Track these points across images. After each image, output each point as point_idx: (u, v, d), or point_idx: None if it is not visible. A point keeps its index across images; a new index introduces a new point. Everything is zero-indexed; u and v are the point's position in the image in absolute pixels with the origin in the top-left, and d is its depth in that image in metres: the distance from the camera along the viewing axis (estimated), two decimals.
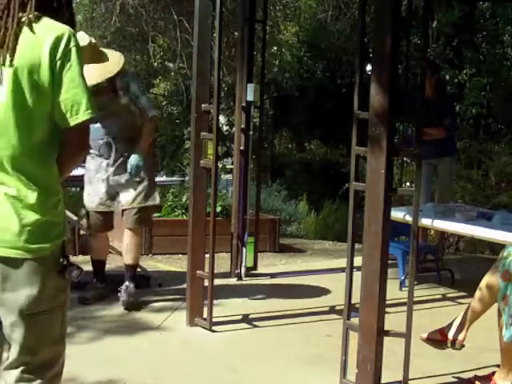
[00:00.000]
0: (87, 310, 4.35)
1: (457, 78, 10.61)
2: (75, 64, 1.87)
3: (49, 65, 1.84)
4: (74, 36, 1.90)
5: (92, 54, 4.13)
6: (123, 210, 4.50)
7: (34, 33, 1.85)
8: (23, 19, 1.86)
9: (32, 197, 1.88)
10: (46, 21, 1.89)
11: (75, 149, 1.97)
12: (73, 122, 1.87)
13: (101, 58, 4.28)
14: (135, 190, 4.48)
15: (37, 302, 1.92)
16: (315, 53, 13.46)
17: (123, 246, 4.58)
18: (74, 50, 1.87)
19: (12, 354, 1.98)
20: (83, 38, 4.11)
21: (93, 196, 4.50)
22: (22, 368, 1.98)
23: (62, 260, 1.95)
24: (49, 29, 1.87)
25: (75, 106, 1.86)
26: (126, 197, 4.47)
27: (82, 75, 1.89)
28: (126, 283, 4.41)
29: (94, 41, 4.29)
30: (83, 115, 1.87)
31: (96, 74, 4.12)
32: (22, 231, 1.88)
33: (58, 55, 1.85)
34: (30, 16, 1.87)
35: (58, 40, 1.85)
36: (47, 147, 1.91)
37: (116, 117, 4.39)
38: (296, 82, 13.53)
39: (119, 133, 4.43)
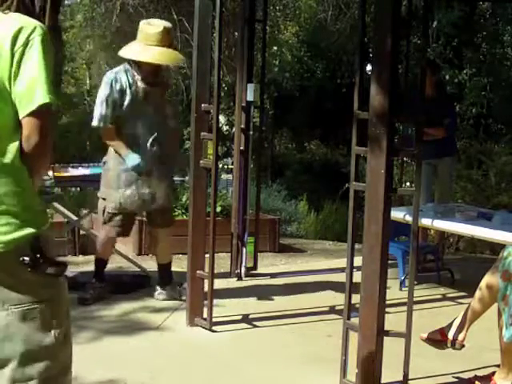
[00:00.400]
0: (87, 310, 4.35)
1: (457, 78, 10.61)
2: (36, 54, 1.79)
3: (9, 55, 1.77)
4: (41, 28, 1.82)
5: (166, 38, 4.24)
6: (156, 210, 4.50)
7: (2, 26, 1.80)
8: None
9: None
10: (17, 15, 1.84)
11: (34, 139, 1.81)
12: (27, 109, 1.78)
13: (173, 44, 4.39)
14: (165, 190, 4.50)
15: (11, 294, 1.86)
16: (315, 53, 13.46)
17: (159, 247, 4.65)
18: (37, 39, 1.80)
19: None
20: (158, 25, 4.25)
21: (132, 197, 4.42)
22: (10, 367, 1.91)
23: (24, 258, 1.84)
24: (15, 21, 1.81)
25: (30, 93, 1.78)
26: (160, 197, 4.47)
27: (43, 64, 1.79)
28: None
29: (168, 25, 4.36)
30: (39, 100, 1.77)
31: (167, 57, 4.28)
32: None
33: (18, 44, 1.78)
34: (6, 11, 1.82)
35: (19, 30, 1.79)
36: (7, 140, 1.82)
37: (159, 112, 4.44)
38: (296, 82, 13.54)
39: (161, 133, 4.42)
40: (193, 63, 4.15)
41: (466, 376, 3.38)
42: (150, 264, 6.07)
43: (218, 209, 6.49)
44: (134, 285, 4.95)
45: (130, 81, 4.36)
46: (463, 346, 3.30)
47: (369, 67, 7.43)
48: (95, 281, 4.61)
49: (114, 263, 5.41)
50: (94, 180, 4.91)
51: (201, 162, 4.09)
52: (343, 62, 13.04)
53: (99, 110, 4.33)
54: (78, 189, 8.76)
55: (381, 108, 3.00)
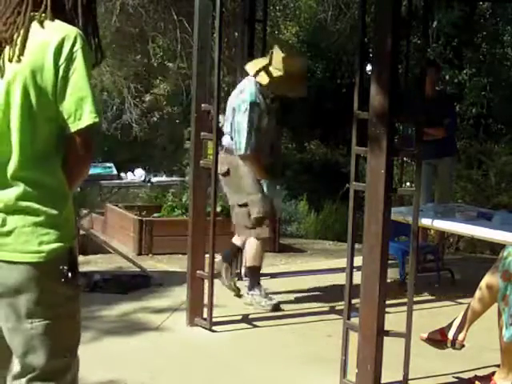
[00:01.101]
0: (87, 311, 4.34)
1: (457, 78, 10.61)
2: (80, 67, 1.80)
3: (53, 67, 1.78)
4: (82, 37, 1.83)
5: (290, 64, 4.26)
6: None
7: (42, 33, 1.81)
8: (36, 17, 1.82)
9: (32, 200, 1.83)
10: (56, 22, 1.84)
11: (80, 155, 1.87)
12: (76, 126, 1.81)
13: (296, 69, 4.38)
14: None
15: (37, 308, 1.85)
16: (315, 53, 13.45)
17: (249, 253, 4.60)
18: (79, 52, 1.81)
19: (15, 362, 1.94)
20: (277, 51, 4.29)
21: (270, 200, 4.50)
22: (28, 377, 1.92)
23: (63, 267, 1.86)
24: (56, 30, 1.82)
25: (79, 111, 1.80)
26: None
27: (86, 78, 1.82)
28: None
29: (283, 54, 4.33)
30: (88, 119, 1.81)
31: (292, 86, 4.31)
32: (19, 233, 1.82)
33: (63, 58, 1.79)
34: (43, 15, 1.83)
35: (63, 41, 1.79)
36: (50, 152, 1.86)
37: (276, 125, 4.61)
38: None
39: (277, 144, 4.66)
40: (193, 63, 4.15)
41: (466, 376, 3.38)
42: (150, 264, 6.08)
43: (218, 209, 6.48)
44: (134, 285, 4.95)
45: (264, 102, 4.40)
46: (463, 345, 3.30)
47: (369, 67, 7.43)
48: (258, 291, 4.55)
49: (113, 263, 5.41)
50: (94, 180, 4.91)
51: (201, 162, 4.09)
52: (343, 61, 13.02)
53: (246, 138, 4.30)
54: (78, 189, 8.78)
55: (381, 108, 3.00)
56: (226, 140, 4.45)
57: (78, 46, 1.81)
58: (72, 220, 1.94)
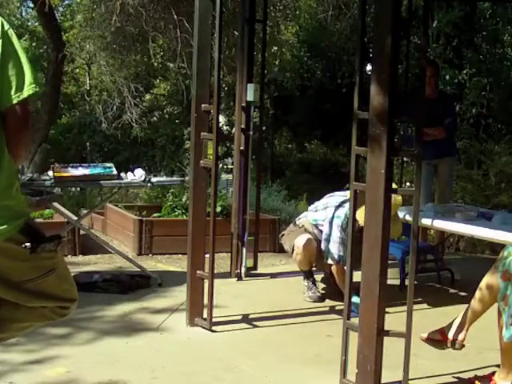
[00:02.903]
0: (87, 311, 4.35)
1: (457, 78, 10.60)
2: (16, 45, 1.90)
3: None
4: (6, 22, 1.94)
5: None
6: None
7: None
8: None
9: None
10: None
11: (20, 127, 1.94)
12: (17, 98, 1.88)
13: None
14: None
15: (18, 272, 2.05)
16: (315, 53, 13.45)
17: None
18: (10, 31, 1.91)
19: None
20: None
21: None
22: None
23: (25, 244, 2.01)
24: None
25: (20, 83, 1.87)
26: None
27: (24, 54, 1.91)
28: None
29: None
30: (27, 90, 1.89)
31: None
32: None
33: None
34: None
35: None
36: None
37: None
38: (296, 82, 13.53)
39: None
40: (193, 63, 4.15)
41: (466, 376, 3.38)
42: (150, 264, 6.08)
43: (218, 209, 6.50)
44: (134, 285, 4.95)
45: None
46: (463, 346, 3.30)
47: (369, 67, 7.43)
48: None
49: (113, 263, 5.41)
50: (94, 180, 4.91)
51: (201, 162, 4.09)
52: (343, 61, 13.02)
53: (338, 250, 4.50)
54: (78, 189, 8.80)
55: (381, 108, 3.00)
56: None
57: (6, 27, 1.92)
58: (22, 198, 2.06)
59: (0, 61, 1.87)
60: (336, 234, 4.50)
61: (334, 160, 13.13)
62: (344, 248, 4.45)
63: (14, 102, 1.88)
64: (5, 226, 1.95)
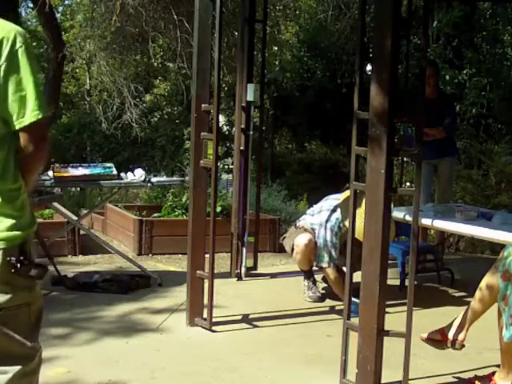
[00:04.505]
0: (87, 311, 4.35)
1: (457, 78, 10.60)
2: (22, 66, 1.84)
3: None
4: (22, 35, 1.86)
5: None
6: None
7: None
8: None
9: None
10: None
11: (28, 150, 1.90)
12: (19, 124, 1.85)
13: None
14: None
15: None
16: (315, 53, 13.45)
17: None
18: (20, 50, 1.84)
19: None
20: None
21: None
22: None
23: (13, 258, 1.88)
24: None
25: (22, 109, 1.84)
26: None
27: (30, 76, 1.85)
28: None
29: None
30: (30, 117, 1.85)
31: None
32: None
33: (3, 59, 1.82)
34: None
35: (1, 41, 1.82)
36: (1, 145, 1.89)
37: None
38: (296, 82, 13.53)
39: None
40: (193, 63, 4.15)
41: (466, 376, 3.38)
42: (150, 264, 6.08)
43: (218, 209, 6.50)
44: (134, 285, 4.95)
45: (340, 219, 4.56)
46: (463, 346, 3.30)
47: (369, 67, 7.42)
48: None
49: (113, 263, 5.41)
50: (94, 180, 4.91)
51: (201, 162, 4.09)
52: (343, 61, 13.02)
53: (329, 253, 4.56)
54: (78, 189, 8.80)
55: (381, 108, 3.00)
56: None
57: (18, 44, 1.84)
58: (28, 210, 1.97)
59: (4, 84, 1.83)
60: (327, 238, 4.54)
61: (334, 160, 13.13)
62: (335, 251, 4.53)
63: (17, 127, 1.86)
64: (19, 233, 1.90)
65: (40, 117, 1.86)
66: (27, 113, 1.85)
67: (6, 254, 1.88)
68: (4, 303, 1.89)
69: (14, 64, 1.83)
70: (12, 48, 1.83)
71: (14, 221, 1.90)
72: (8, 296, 1.90)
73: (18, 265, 1.88)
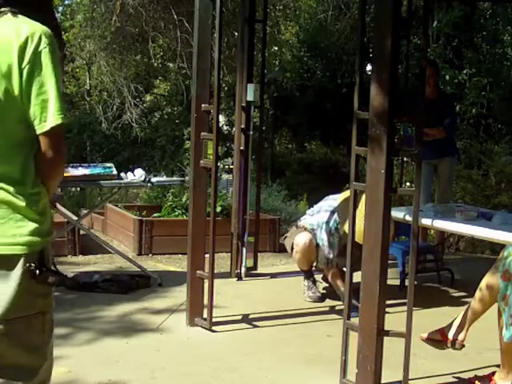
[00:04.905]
0: (87, 311, 4.35)
1: (457, 78, 10.60)
2: (45, 67, 1.79)
3: (18, 71, 1.76)
4: (47, 35, 1.81)
5: None
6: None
7: (5, 31, 1.78)
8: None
9: (5, 193, 1.81)
10: (20, 19, 1.81)
11: (49, 156, 1.85)
12: (41, 129, 1.81)
13: None
14: None
15: (9, 307, 1.80)
16: (315, 53, 13.45)
17: None
18: (44, 51, 1.78)
19: None
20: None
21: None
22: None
23: (32, 264, 1.82)
24: (19, 28, 1.78)
25: (44, 113, 1.79)
26: None
27: (52, 78, 1.80)
28: None
29: None
30: (51, 121, 1.80)
31: None
32: None
33: (26, 60, 1.77)
34: (4, 10, 1.79)
35: (26, 42, 1.77)
36: (23, 151, 1.85)
37: None
38: (296, 82, 13.54)
39: None
40: (193, 63, 4.15)
41: (465, 376, 3.38)
42: (150, 264, 6.08)
43: (218, 209, 6.50)
44: (134, 285, 4.95)
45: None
46: (463, 346, 3.30)
47: (369, 67, 7.42)
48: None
49: (113, 263, 5.41)
50: (94, 180, 4.91)
51: (201, 162, 4.09)
52: (343, 61, 13.02)
53: (327, 254, 4.57)
54: (78, 189, 8.81)
55: (381, 108, 3.00)
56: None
57: (43, 45, 1.79)
58: (49, 216, 1.92)
59: (26, 87, 1.78)
60: (326, 239, 4.55)
61: (334, 160, 13.12)
62: (334, 252, 4.53)
63: (38, 132, 1.81)
64: (40, 239, 1.85)
65: (61, 121, 1.82)
66: (49, 117, 1.80)
67: (26, 260, 1.82)
68: (21, 312, 1.83)
69: (37, 66, 1.78)
70: (36, 49, 1.78)
71: (36, 225, 1.85)
72: (25, 304, 1.84)
73: (37, 272, 1.83)
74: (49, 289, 1.90)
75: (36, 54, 1.78)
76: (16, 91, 1.78)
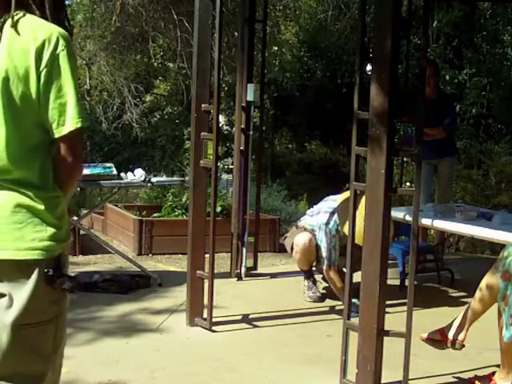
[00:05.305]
0: (87, 311, 4.35)
1: (457, 78, 10.60)
2: (63, 70, 1.75)
3: (35, 74, 1.73)
4: (64, 38, 1.77)
5: None
6: None
7: (22, 34, 1.73)
8: (14, 15, 1.74)
9: (24, 197, 1.78)
10: (36, 21, 1.77)
11: (67, 161, 1.82)
12: (59, 132, 1.77)
13: None
14: None
15: (24, 313, 1.76)
16: (315, 53, 13.45)
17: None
18: (61, 54, 1.74)
19: None
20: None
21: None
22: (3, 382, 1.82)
23: (50, 270, 1.79)
24: (37, 31, 1.75)
25: (62, 117, 1.76)
26: None
27: (70, 82, 1.76)
28: None
29: None
30: (70, 125, 1.76)
31: None
32: (10, 228, 1.76)
33: (44, 63, 1.73)
34: (21, 13, 1.75)
35: (43, 45, 1.73)
36: (41, 156, 1.81)
37: None
38: (296, 82, 13.54)
39: None
40: (193, 63, 4.15)
41: (465, 376, 3.38)
42: (150, 264, 6.08)
43: (218, 209, 6.50)
44: (134, 285, 4.95)
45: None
46: (463, 346, 3.30)
47: (369, 67, 7.42)
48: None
49: (113, 263, 5.40)
50: (94, 180, 4.91)
51: (201, 162, 4.09)
52: (343, 61, 13.02)
53: (328, 255, 4.56)
54: (78, 189, 8.80)
55: (381, 108, 3.00)
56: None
57: (60, 48, 1.75)
58: (66, 221, 1.88)
59: (44, 91, 1.74)
60: (326, 240, 4.55)
61: (334, 160, 13.13)
62: (335, 253, 4.53)
63: (56, 136, 1.78)
64: (58, 244, 1.82)
65: (80, 125, 1.78)
66: (67, 121, 1.76)
67: (44, 265, 1.79)
68: (34, 318, 1.79)
69: (55, 69, 1.74)
70: (54, 51, 1.74)
71: (55, 230, 1.82)
72: (39, 310, 1.80)
73: (55, 277, 1.80)
74: (64, 295, 1.87)
75: (54, 57, 1.74)
76: (33, 95, 1.75)
